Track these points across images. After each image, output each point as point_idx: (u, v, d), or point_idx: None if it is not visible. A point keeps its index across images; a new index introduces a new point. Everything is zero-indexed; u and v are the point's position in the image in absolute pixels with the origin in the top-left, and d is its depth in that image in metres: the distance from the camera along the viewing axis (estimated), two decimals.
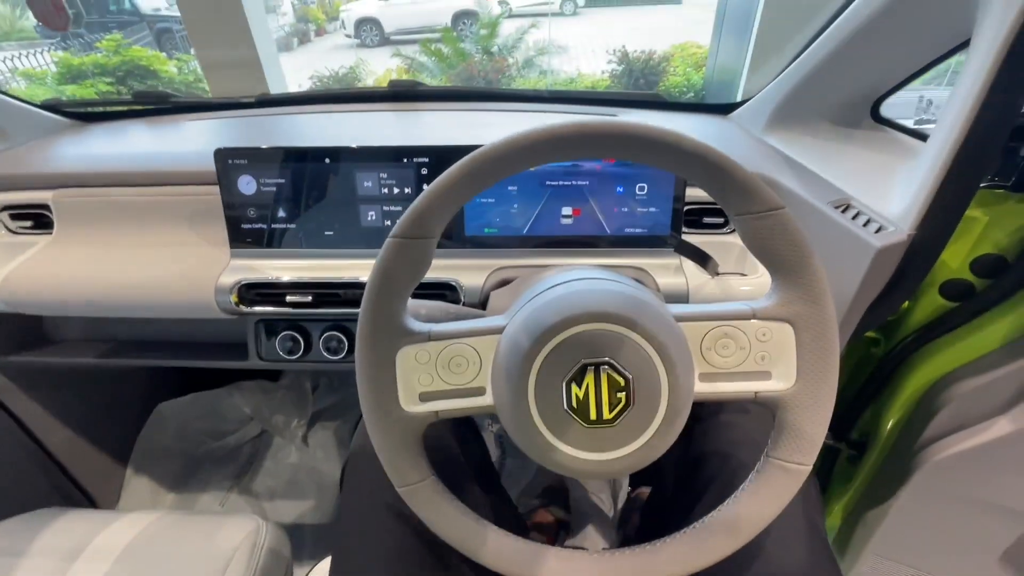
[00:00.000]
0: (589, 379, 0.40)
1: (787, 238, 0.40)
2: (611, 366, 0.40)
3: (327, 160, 0.69)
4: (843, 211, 0.60)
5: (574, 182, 0.68)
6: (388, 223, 0.71)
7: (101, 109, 1.06)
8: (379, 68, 5.63)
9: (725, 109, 0.96)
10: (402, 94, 1.07)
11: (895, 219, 0.55)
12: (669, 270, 0.69)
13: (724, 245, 0.73)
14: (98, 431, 1.09)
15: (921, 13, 0.56)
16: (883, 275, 0.57)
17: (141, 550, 0.68)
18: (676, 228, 0.69)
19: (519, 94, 1.07)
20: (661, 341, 0.40)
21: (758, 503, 0.43)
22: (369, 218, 0.71)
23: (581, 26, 8.70)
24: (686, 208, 0.71)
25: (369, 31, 8.63)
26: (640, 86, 4.65)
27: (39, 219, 0.81)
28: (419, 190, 0.70)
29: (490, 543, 0.45)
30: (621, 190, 0.68)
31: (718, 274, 0.69)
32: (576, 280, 0.45)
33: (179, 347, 0.86)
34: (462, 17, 8.22)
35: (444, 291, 0.70)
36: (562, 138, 0.39)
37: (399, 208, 0.71)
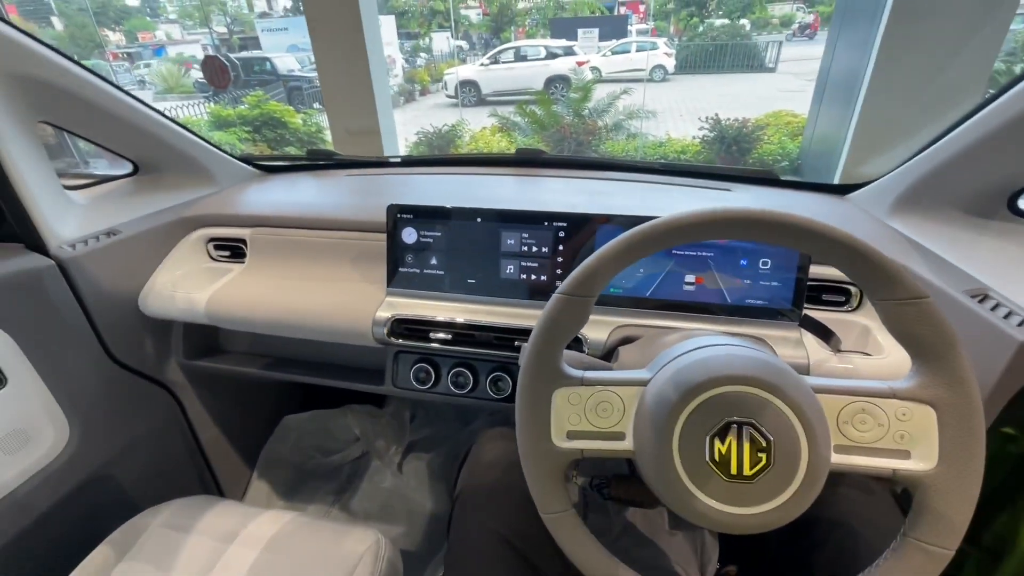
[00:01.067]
0: (732, 436, 0.44)
1: (931, 325, 0.43)
2: (754, 427, 0.44)
3: (478, 219, 0.81)
4: (980, 301, 0.61)
5: (699, 252, 0.74)
6: (523, 277, 0.81)
7: (280, 163, 1.28)
8: (476, 126, 6.10)
9: (842, 190, 0.98)
10: (527, 160, 1.20)
11: None
12: (789, 343, 0.71)
13: (844, 323, 0.75)
14: (237, 433, 1.24)
15: None
16: None
17: (282, 543, 0.78)
18: (798, 303, 0.72)
19: (633, 164, 1.16)
20: (803, 409, 0.44)
21: None
22: (508, 271, 0.81)
23: (670, 92, 8.92)
24: (808, 284, 0.74)
25: (468, 92, 9.41)
26: (732, 152, 4.66)
27: (235, 250, 1.00)
28: (555, 251, 0.79)
29: None
30: (745, 263, 0.73)
31: (840, 351, 0.70)
32: (721, 345, 0.50)
33: (325, 368, 0.99)
34: (555, 81, 8.75)
35: (570, 343, 0.77)
36: (722, 221, 0.46)
37: (535, 264, 0.80)
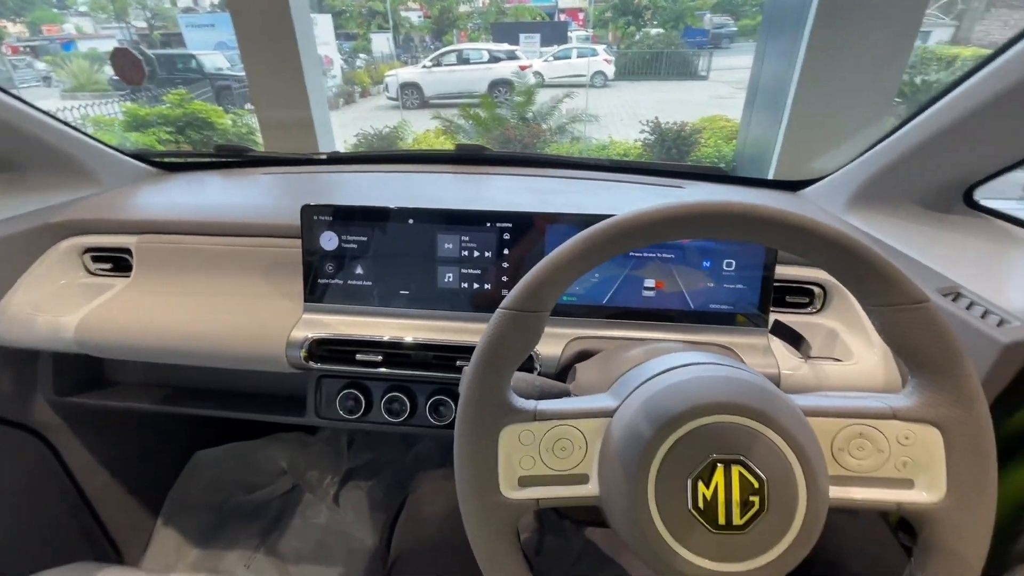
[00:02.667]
0: (719, 477, 0.36)
1: (933, 334, 0.37)
2: (743, 465, 0.36)
3: (410, 220, 0.70)
4: (954, 300, 0.57)
5: (659, 254, 0.67)
6: (464, 285, 0.71)
7: (183, 160, 1.11)
8: (419, 128, 5.95)
9: (794, 186, 0.95)
10: (467, 157, 1.10)
11: (1019, 312, 0.52)
12: (757, 350, 0.65)
13: (809, 326, 0.70)
14: (135, 477, 1.06)
15: None
16: (1007, 374, 0.53)
17: None
18: (764, 307, 0.66)
19: (581, 162, 1.09)
20: (798, 440, 0.37)
21: None
22: (446, 280, 0.71)
23: (611, 97, 9.14)
24: None
25: (410, 95, 9.21)
26: (672, 155, 4.78)
27: (119, 262, 0.83)
28: (500, 255, 0.69)
29: None
30: (707, 265, 0.66)
31: (810, 358, 0.65)
32: (698, 364, 0.42)
33: (238, 398, 0.85)
34: (498, 85, 8.73)
35: None
36: (700, 216, 0.38)
37: (478, 271, 0.70)
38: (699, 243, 0.66)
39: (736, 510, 0.36)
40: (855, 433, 0.40)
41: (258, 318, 0.73)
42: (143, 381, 0.90)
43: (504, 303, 0.41)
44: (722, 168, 1.02)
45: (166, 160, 1.08)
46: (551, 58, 10.20)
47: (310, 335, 0.70)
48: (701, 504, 0.36)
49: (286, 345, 0.70)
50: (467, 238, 0.69)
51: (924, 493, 0.39)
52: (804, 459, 0.36)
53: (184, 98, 5.84)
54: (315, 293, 0.73)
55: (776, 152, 3.22)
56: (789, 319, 0.70)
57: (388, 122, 5.82)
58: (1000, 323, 0.52)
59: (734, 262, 0.66)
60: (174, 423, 1.16)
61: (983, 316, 0.53)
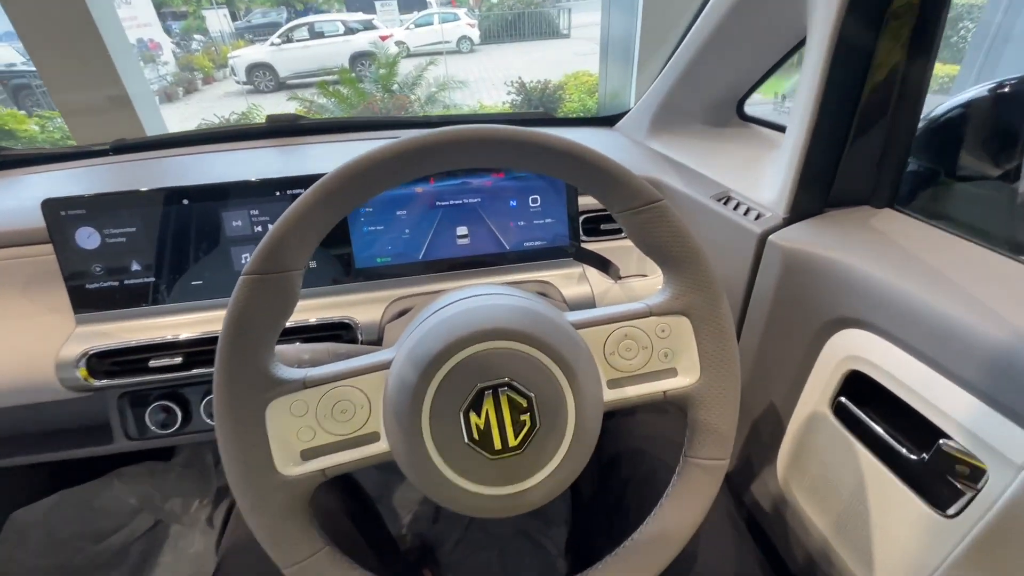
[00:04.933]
0: (488, 405, 0.36)
1: (669, 229, 0.39)
2: (510, 387, 0.36)
3: (185, 201, 0.61)
4: (724, 203, 0.62)
5: (465, 200, 0.65)
6: None
7: None
8: (275, 112, 5.44)
9: (610, 121, 0.99)
10: (281, 129, 1.01)
11: (770, 205, 0.58)
12: (573, 279, 0.67)
13: (623, 250, 0.74)
14: None
15: (760, 19, 0.60)
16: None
17: None
18: (575, 237, 0.68)
19: (404, 121, 1.05)
20: (559, 352, 0.37)
21: (684, 507, 0.41)
22: (243, 261, 0.64)
23: (479, 62, 9.03)
24: (583, 217, 0.71)
25: (263, 76, 8.38)
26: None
27: None
28: None
29: None
30: (514, 204, 0.66)
31: (620, 278, 0.68)
32: (460, 300, 0.41)
33: (24, 441, 0.71)
34: (360, 58, 8.23)
35: (339, 331, 0.63)
36: (423, 148, 0.36)
37: None
38: (503, 183, 0.66)
39: (510, 432, 0.36)
40: (621, 335, 0.41)
41: (18, 342, 0.61)
42: None
43: (245, 269, 0.36)
44: (550, 112, 1.03)
45: None
46: (412, 26, 9.77)
47: (86, 349, 0.60)
48: (476, 435, 0.36)
49: (55, 367, 0.59)
50: (257, 211, 0.63)
51: (685, 378, 0.42)
52: (567, 369, 0.37)
53: None
54: (85, 302, 0.62)
55: (632, 100, 3.42)
56: (605, 245, 0.73)
57: (237, 109, 5.25)
58: (757, 217, 0.58)
59: (539, 197, 0.66)
60: None
61: (746, 213, 0.59)
